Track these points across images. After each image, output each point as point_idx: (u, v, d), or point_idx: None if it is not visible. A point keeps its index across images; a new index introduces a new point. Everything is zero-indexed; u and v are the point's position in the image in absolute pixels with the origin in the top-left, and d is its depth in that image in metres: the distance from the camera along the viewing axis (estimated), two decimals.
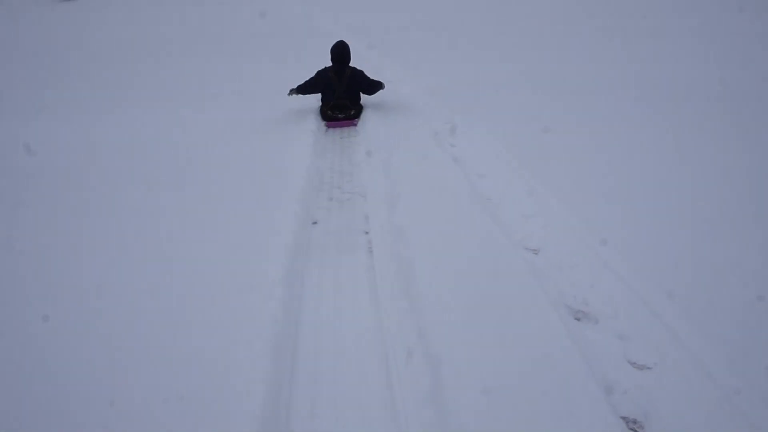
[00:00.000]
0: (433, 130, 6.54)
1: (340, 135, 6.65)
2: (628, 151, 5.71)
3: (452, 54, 10.31)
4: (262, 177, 5.32)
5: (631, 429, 2.54)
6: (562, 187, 4.92)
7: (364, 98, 7.10)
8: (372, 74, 7.11)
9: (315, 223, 4.66)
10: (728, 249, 3.84)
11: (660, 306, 3.28)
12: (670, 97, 7.35)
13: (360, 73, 6.68)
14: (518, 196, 4.86)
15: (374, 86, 6.74)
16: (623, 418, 2.58)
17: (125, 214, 4.63)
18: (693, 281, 3.49)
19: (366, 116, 6.98)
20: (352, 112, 6.69)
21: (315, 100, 7.11)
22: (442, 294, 3.35)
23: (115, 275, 3.68)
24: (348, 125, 6.70)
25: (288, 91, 6.79)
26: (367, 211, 4.78)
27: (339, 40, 6.93)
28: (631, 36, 11.04)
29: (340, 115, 6.65)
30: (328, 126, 6.71)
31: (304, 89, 6.66)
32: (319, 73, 6.67)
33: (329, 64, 6.83)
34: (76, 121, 7.34)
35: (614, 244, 3.92)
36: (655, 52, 9.68)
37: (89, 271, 3.76)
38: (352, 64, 6.89)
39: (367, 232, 4.44)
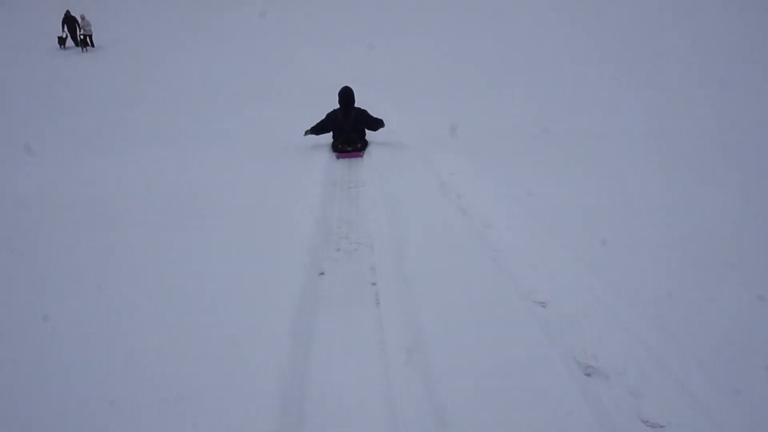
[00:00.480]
0: (439, 180, 6.60)
1: (348, 185, 6.73)
2: (639, 201, 5.73)
3: (458, 100, 10.42)
4: (271, 226, 5.37)
5: None
6: (570, 237, 4.93)
7: (373, 147, 7.34)
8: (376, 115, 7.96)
9: (322, 274, 4.66)
10: (741, 301, 3.80)
11: (672, 361, 3.23)
12: (677, 144, 7.36)
13: (364, 112, 7.49)
14: (527, 248, 4.87)
15: (377, 123, 7.60)
16: None
17: (128, 256, 4.65)
18: (706, 336, 3.44)
19: (373, 165, 7.11)
20: (359, 145, 7.48)
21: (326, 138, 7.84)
22: (451, 349, 3.32)
23: (116, 330, 3.67)
24: (356, 156, 7.42)
25: (303, 132, 7.62)
26: (374, 262, 4.78)
27: (344, 86, 7.69)
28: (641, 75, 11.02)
29: (348, 148, 7.43)
30: (339, 157, 7.42)
31: (317, 130, 7.52)
32: (328, 114, 7.50)
33: (337, 106, 7.71)
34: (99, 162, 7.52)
35: (624, 296, 3.90)
36: (661, 93, 9.68)
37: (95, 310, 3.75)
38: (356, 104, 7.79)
39: (374, 284, 4.42)
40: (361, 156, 7.39)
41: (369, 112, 7.48)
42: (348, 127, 7.33)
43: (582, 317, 3.74)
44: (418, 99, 10.45)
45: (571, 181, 6.36)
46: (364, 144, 7.54)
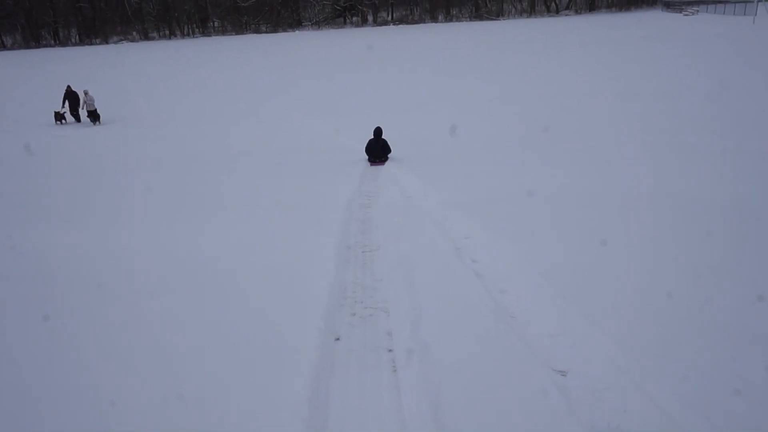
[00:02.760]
0: (454, 245, 6.62)
1: (362, 249, 6.77)
2: (657, 268, 5.69)
3: (479, 166, 10.58)
4: (286, 290, 5.42)
5: None
6: (590, 304, 4.89)
7: (388, 210, 7.59)
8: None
9: (338, 339, 4.65)
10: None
11: None
12: (696, 214, 7.30)
13: (385, 141, 11.68)
14: (543, 314, 4.84)
15: (389, 150, 11.70)
16: None
17: (149, 324, 4.67)
18: (733, 406, 3.36)
19: (388, 229, 7.24)
20: (383, 159, 11.68)
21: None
22: (471, 421, 3.27)
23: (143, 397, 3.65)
24: (381, 164, 11.53)
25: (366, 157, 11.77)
26: (390, 328, 4.77)
27: (378, 126, 11.73)
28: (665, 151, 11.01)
29: (377, 160, 11.59)
30: (371, 164, 11.50)
31: (367, 152, 11.66)
32: (369, 141, 11.70)
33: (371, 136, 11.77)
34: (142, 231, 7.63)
35: (648, 366, 3.84)
36: (682, 170, 9.65)
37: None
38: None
39: (390, 350, 4.40)
40: (383, 164, 11.50)
41: (388, 143, 11.65)
42: (378, 149, 11.61)
43: (604, 388, 3.69)
44: (434, 166, 10.64)
45: (588, 247, 6.35)
46: (386, 159, 11.70)
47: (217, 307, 5.08)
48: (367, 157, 11.57)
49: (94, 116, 18.80)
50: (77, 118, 19.14)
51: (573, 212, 7.53)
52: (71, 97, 19.24)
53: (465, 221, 7.46)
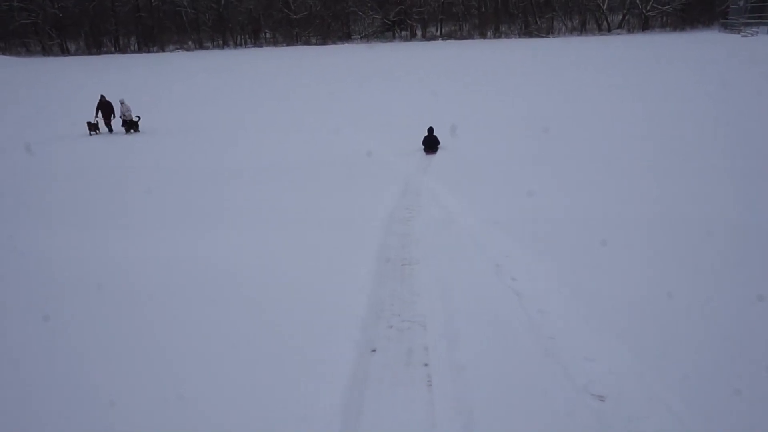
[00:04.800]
0: (493, 262, 6.60)
1: (401, 263, 6.81)
2: (703, 296, 5.53)
3: (522, 185, 10.40)
4: (325, 301, 5.50)
5: None
6: (630, 329, 4.80)
7: (430, 226, 7.53)
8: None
9: (374, 350, 4.68)
10: None
11: None
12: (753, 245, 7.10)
13: (436, 137, 14.53)
14: (582, 337, 4.78)
15: (438, 143, 14.50)
16: None
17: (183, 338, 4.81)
18: None
19: (428, 245, 7.31)
20: (434, 150, 14.37)
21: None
22: None
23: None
24: (433, 153, 14.19)
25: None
26: (426, 342, 4.78)
27: (430, 125, 14.71)
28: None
29: (430, 150, 14.33)
30: (426, 154, 14.20)
31: (424, 144, 14.58)
32: (424, 137, 14.60)
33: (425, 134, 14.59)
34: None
35: (688, 396, 3.74)
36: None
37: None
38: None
39: (426, 365, 4.41)
40: (435, 154, 14.19)
41: (437, 137, 14.51)
42: (430, 141, 14.54)
43: (644, 416, 3.61)
44: (474, 184, 10.59)
45: (631, 271, 6.25)
46: (436, 150, 14.40)
47: (253, 318, 5.20)
48: (423, 147, 14.76)
49: (129, 125, 18.39)
50: (110, 129, 18.63)
51: (616, 235, 7.40)
52: (105, 107, 18.71)
53: (506, 239, 7.44)
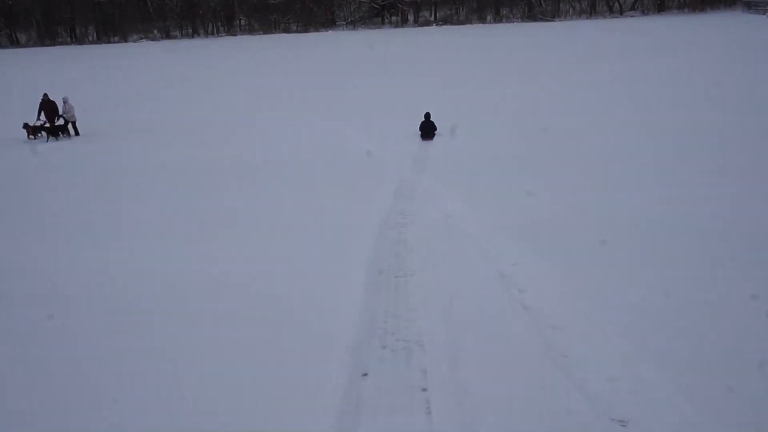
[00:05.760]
0: (499, 272, 6.57)
1: (395, 274, 6.75)
2: (729, 307, 5.51)
3: (529, 186, 10.37)
4: (308, 319, 5.45)
5: None
6: (653, 345, 4.78)
7: (427, 229, 7.49)
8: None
9: (365, 374, 4.62)
10: None
11: None
12: None
13: (433, 123, 15.62)
14: (600, 354, 4.74)
15: (436, 128, 15.58)
16: None
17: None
18: None
19: (426, 252, 7.31)
20: (431, 136, 15.45)
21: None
22: None
23: None
24: (430, 139, 15.28)
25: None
26: (425, 364, 4.73)
27: (427, 111, 15.82)
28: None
29: (427, 137, 15.42)
30: (423, 140, 15.28)
31: (420, 129, 15.65)
32: (421, 122, 15.68)
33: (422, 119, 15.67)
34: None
35: (723, 423, 3.68)
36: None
37: None
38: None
39: (425, 389, 4.35)
40: (431, 139, 15.22)
41: (435, 123, 15.61)
42: (427, 128, 15.58)
43: None
44: (474, 184, 10.56)
45: (651, 282, 6.22)
46: (433, 135, 15.47)
47: (229, 339, 5.14)
48: (419, 133, 15.75)
49: (59, 131, 17.32)
50: (54, 133, 17.46)
51: (633, 241, 7.43)
52: (48, 106, 17.53)
53: (511, 245, 7.41)
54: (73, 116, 17.83)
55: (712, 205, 8.70)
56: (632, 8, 63.97)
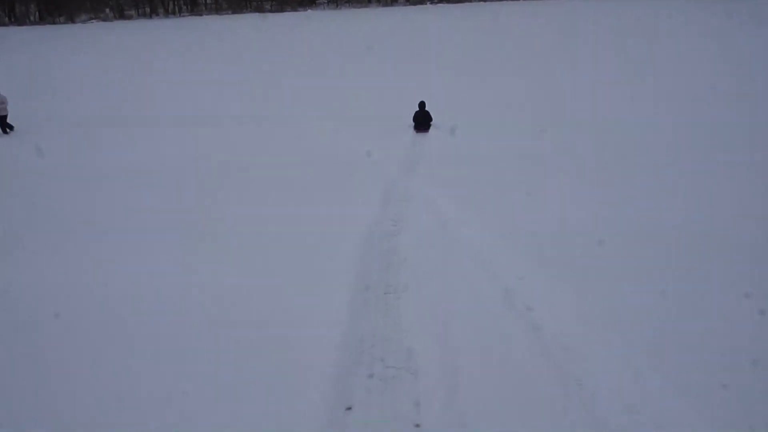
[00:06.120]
0: (503, 287, 6.58)
1: (384, 290, 6.75)
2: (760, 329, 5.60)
3: (528, 188, 10.54)
4: (286, 343, 5.44)
5: None
6: (679, 371, 4.79)
7: (421, 238, 7.53)
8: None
9: (349, 408, 4.61)
10: None
11: None
12: None
13: (428, 113, 16.38)
14: (618, 380, 4.75)
15: (431, 119, 16.31)
16: None
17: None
18: None
19: (419, 263, 7.35)
20: (426, 127, 16.19)
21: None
22: None
23: None
24: (425, 131, 16.13)
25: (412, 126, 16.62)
26: (418, 395, 4.72)
27: (422, 100, 16.48)
28: None
29: (422, 128, 16.12)
30: (417, 132, 16.04)
31: (414, 120, 16.32)
32: (415, 112, 16.37)
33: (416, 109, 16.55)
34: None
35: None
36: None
37: None
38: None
39: (418, 425, 4.34)
40: (427, 131, 16.07)
41: (430, 113, 16.31)
42: (422, 118, 16.20)
43: None
44: (479, 186, 10.60)
45: (675, 299, 6.24)
46: (429, 127, 16.19)
47: (191, 370, 5.12)
48: (413, 125, 16.26)
49: (2, 124, 17.45)
50: None
51: (654, 252, 7.47)
52: None
53: (516, 256, 7.44)
54: (5, 110, 17.70)
55: (736, 209, 8.81)
56: None
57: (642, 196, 9.92)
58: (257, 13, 66.90)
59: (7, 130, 17.65)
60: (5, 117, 17.60)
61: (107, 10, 70.65)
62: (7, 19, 68.81)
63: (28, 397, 4.88)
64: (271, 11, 67.70)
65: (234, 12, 68.37)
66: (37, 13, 69.97)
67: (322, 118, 17.59)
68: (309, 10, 67.01)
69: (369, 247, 8.05)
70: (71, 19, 67.52)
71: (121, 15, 69.85)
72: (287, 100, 20.76)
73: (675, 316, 5.72)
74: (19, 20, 68.34)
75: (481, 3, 63.32)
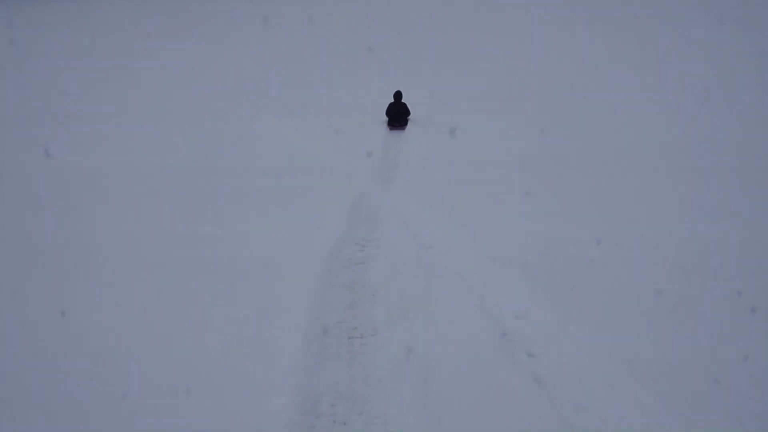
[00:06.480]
0: (499, 329, 6.37)
1: (348, 334, 6.53)
2: None
3: (527, 202, 10.64)
4: (223, 406, 5.19)
5: None
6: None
7: (399, 270, 7.87)
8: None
9: None
10: None
11: None
12: None
13: (405, 105, 16.44)
14: None
15: (408, 113, 16.50)
16: None
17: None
18: None
19: (394, 299, 7.20)
20: (403, 123, 16.28)
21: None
22: None
23: None
24: (401, 128, 16.12)
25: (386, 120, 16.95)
26: None
27: (398, 90, 16.57)
28: None
29: (396, 124, 16.20)
30: (391, 129, 16.05)
31: (388, 114, 16.50)
32: (390, 104, 16.55)
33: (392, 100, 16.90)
34: None
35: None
36: None
37: None
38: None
39: None
40: (404, 129, 15.95)
41: (408, 106, 16.35)
42: (397, 112, 16.22)
43: None
44: (469, 200, 10.61)
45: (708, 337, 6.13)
46: (406, 122, 16.18)
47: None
48: (386, 120, 16.35)
49: None
50: None
51: (683, 280, 7.40)
52: None
53: (516, 289, 7.30)
54: None
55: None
56: None
57: (659, 208, 10.04)
58: None
59: None
60: None
61: None
62: None
63: None
64: None
65: None
66: None
67: (276, 112, 17.66)
68: None
69: (329, 279, 7.84)
70: None
71: None
72: (234, 90, 20.84)
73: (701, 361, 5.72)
74: None
75: None
